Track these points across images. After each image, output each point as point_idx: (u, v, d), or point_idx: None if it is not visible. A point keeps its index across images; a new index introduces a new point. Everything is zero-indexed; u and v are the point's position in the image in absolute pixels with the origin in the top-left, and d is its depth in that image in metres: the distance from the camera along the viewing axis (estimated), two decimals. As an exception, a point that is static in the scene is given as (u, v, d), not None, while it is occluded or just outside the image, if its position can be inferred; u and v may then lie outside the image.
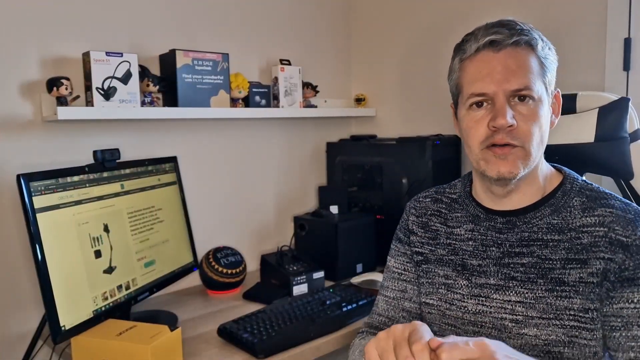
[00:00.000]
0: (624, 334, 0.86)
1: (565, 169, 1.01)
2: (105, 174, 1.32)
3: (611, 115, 1.22)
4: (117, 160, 1.35)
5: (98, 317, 1.22)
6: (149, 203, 1.45)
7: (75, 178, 1.23)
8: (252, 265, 1.93)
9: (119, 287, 1.31)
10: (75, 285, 1.17)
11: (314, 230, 1.83)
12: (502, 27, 0.90)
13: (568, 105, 1.28)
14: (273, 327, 1.29)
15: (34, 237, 1.10)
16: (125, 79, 1.44)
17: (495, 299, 0.95)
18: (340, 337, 1.35)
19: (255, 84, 1.82)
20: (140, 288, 1.38)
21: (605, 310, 0.87)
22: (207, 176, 1.81)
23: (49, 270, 1.11)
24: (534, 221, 0.95)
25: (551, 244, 0.92)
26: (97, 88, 1.39)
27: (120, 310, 1.31)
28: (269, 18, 1.94)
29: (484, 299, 0.96)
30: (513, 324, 0.92)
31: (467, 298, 0.98)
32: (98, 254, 1.25)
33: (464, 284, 0.99)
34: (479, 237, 1.00)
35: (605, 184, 1.50)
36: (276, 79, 1.87)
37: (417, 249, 1.08)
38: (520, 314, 0.92)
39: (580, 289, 0.88)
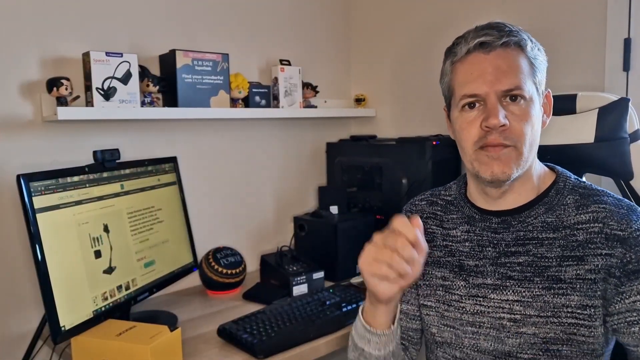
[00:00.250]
0: None
1: (558, 167, 1.01)
2: (105, 174, 1.32)
3: (611, 115, 1.22)
4: (117, 161, 1.35)
5: (98, 318, 1.22)
6: (148, 203, 1.45)
7: (75, 178, 1.23)
8: (252, 265, 1.93)
9: (119, 287, 1.31)
10: (75, 285, 1.17)
11: (313, 230, 1.83)
12: (491, 29, 0.92)
13: (568, 105, 1.28)
14: (273, 328, 1.29)
15: (34, 237, 1.10)
16: (125, 79, 1.44)
17: (493, 298, 0.95)
18: (340, 337, 1.35)
19: (255, 84, 1.82)
20: (140, 288, 1.38)
21: (617, 307, 0.87)
22: (207, 176, 1.81)
23: (49, 270, 1.11)
24: (528, 220, 0.95)
25: (546, 242, 0.93)
26: (97, 88, 1.39)
27: (120, 310, 1.31)
28: (269, 18, 1.94)
29: (481, 299, 0.97)
30: (511, 323, 0.93)
31: (465, 299, 0.98)
32: (98, 254, 1.25)
33: (462, 285, 0.99)
34: (475, 237, 1.00)
35: (605, 185, 1.50)
36: (276, 79, 1.87)
37: None
38: (518, 312, 0.92)
39: (578, 286, 0.89)
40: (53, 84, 1.35)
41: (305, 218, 1.87)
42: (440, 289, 1.02)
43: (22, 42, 1.39)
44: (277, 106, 1.87)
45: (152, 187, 1.48)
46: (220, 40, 1.80)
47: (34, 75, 1.41)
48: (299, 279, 1.62)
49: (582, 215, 0.92)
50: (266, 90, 1.83)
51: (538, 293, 0.91)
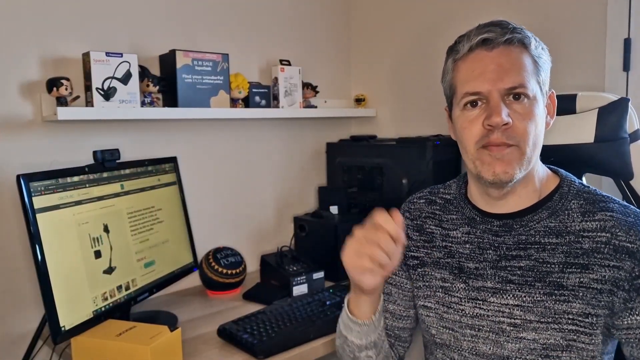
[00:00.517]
0: None
1: (562, 171, 1.00)
2: (105, 174, 1.31)
3: (611, 115, 1.22)
4: (117, 161, 1.35)
5: (98, 318, 1.22)
6: (148, 203, 1.45)
7: (75, 178, 1.23)
8: (252, 265, 1.93)
9: (119, 287, 1.31)
10: (75, 285, 1.17)
11: (314, 230, 1.83)
12: (494, 26, 0.90)
13: (568, 105, 1.28)
14: (273, 328, 1.29)
15: (34, 238, 1.10)
16: (125, 79, 1.44)
17: (493, 302, 0.94)
18: (340, 337, 1.35)
19: (255, 84, 1.82)
20: (140, 288, 1.38)
21: (627, 322, 0.86)
22: (207, 176, 1.80)
23: (49, 270, 1.11)
24: (531, 224, 0.94)
25: (549, 247, 0.91)
26: (97, 88, 1.39)
27: (120, 310, 1.31)
28: (269, 18, 1.94)
29: (481, 302, 0.95)
30: (511, 328, 0.92)
31: (465, 301, 0.97)
32: (98, 254, 1.25)
33: (461, 287, 0.98)
34: (476, 240, 0.99)
35: (605, 185, 1.50)
36: (276, 79, 1.87)
37: (412, 253, 1.07)
38: (518, 317, 0.91)
39: (580, 294, 0.87)
40: (53, 84, 1.35)
41: (305, 218, 1.87)
42: (440, 290, 1.01)
43: (22, 42, 1.39)
44: (277, 106, 1.87)
45: (152, 187, 1.48)
46: (220, 40, 1.80)
47: (34, 75, 1.41)
48: (299, 279, 1.61)
49: (588, 223, 0.90)
50: (266, 90, 1.82)
51: (539, 298, 0.90)
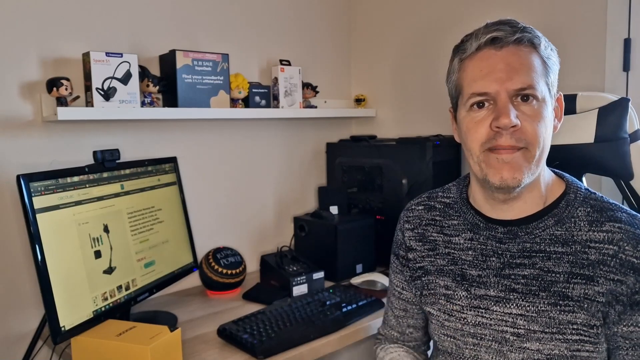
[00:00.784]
0: (630, 353, 0.85)
1: (567, 175, 0.97)
2: (105, 175, 1.31)
3: (611, 115, 1.22)
4: (117, 161, 1.35)
5: (98, 318, 1.21)
6: (148, 203, 1.45)
7: (75, 178, 1.23)
8: (252, 265, 1.93)
9: (119, 287, 1.31)
10: (75, 285, 1.17)
11: (313, 231, 1.83)
12: (503, 24, 0.87)
13: (568, 105, 1.28)
14: (273, 328, 1.29)
15: (34, 238, 1.10)
16: (125, 79, 1.44)
17: (496, 311, 0.92)
18: (340, 338, 1.35)
19: (255, 84, 1.82)
20: (140, 289, 1.38)
21: (615, 329, 0.85)
22: (207, 176, 1.80)
23: (49, 270, 1.11)
24: (536, 232, 0.91)
25: (554, 256, 0.89)
26: (97, 88, 1.39)
27: (120, 310, 1.31)
28: (269, 18, 1.95)
29: (483, 310, 0.93)
30: (514, 338, 0.90)
31: (467, 309, 0.95)
32: (98, 254, 1.25)
33: (463, 295, 0.96)
34: (479, 246, 0.96)
35: (605, 185, 1.50)
36: (276, 79, 1.87)
37: (417, 265, 1.05)
38: (522, 327, 0.89)
39: (585, 305, 0.85)
40: (53, 84, 1.35)
41: (305, 218, 1.87)
42: (443, 297, 0.99)
43: (22, 42, 1.39)
44: (277, 106, 1.87)
45: (152, 187, 1.48)
46: (220, 40, 1.80)
47: (34, 76, 1.41)
48: (299, 279, 1.61)
49: (595, 233, 0.88)
50: (266, 90, 1.82)
51: (543, 308, 0.88)
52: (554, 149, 1.27)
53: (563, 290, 0.87)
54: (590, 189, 0.95)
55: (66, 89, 1.35)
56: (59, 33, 1.45)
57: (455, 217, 1.02)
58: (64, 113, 1.32)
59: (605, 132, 1.23)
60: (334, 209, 1.89)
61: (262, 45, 1.93)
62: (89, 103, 1.41)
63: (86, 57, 1.39)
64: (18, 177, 1.09)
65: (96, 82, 1.39)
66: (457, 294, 0.97)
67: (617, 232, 0.86)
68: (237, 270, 1.65)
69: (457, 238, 1.00)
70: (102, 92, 1.40)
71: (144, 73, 1.53)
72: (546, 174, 0.94)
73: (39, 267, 1.10)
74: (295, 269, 1.66)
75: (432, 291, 1.01)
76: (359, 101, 2.20)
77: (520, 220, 0.93)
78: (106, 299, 1.26)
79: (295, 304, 1.43)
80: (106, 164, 1.32)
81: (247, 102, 1.79)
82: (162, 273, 1.48)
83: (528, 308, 0.89)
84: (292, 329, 1.30)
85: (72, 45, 1.47)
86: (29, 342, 1.40)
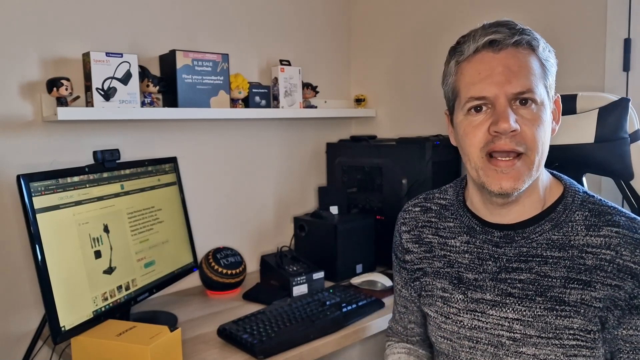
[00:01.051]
0: (631, 357, 0.85)
1: (565, 177, 0.96)
2: (105, 175, 1.32)
3: (611, 115, 1.22)
4: (117, 161, 1.35)
5: (98, 318, 1.22)
6: (148, 203, 1.45)
7: (76, 178, 1.23)
8: (252, 265, 1.93)
9: (119, 287, 1.31)
10: (75, 285, 1.17)
11: (313, 231, 1.83)
12: (501, 26, 0.86)
13: (568, 105, 1.28)
14: (273, 328, 1.29)
15: (34, 238, 1.10)
16: (125, 79, 1.44)
17: (492, 315, 0.92)
18: (339, 338, 1.35)
19: (255, 84, 1.82)
20: (140, 289, 1.38)
21: (615, 332, 0.85)
22: (207, 176, 1.81)
23: (49, 270, 1.11)
24: (533, 236, 0.90)
25: (551, 260, 0.88)
26: (97, 88, 1.39)
27: (120, 310, 1.31)
28: (269, 18, 1.95)
29: (479, 314, 0.93)
30: (511, 342, 0.90)
31: (463, 313, 0.95)
32: (98, 254, 1.25)
33: (460, 298, 0.96)
34: (475, 250, 0.96)
35: (605, 185, 1.50)
36: (276, 79, 1.87)
37: (416, 266, 1.05)
38: (518, 331, 0.89)
39: (582, 310, 0.85)
40: (53, 84, 1.35)
41: (305, 218, 1.87)
42: (440, 300, 0.99)
43: (22, 42, 1.39)
44: (277, 106, 1.87)
45: (152, 188, 1.48)
46: (220, 40, 1.81)
47: (34, 76, 1.41)
48: (299, 279, 1.61)
49: (593, 238, 0.87)
50: (266, 90, 1.83)
51: (540, 313, 0.87)
52: (555, 149, 1.28)
53: (560, 295, 0.86)
54: (588, 191, 0.94)
55: (66, 89, 1.35)
56: (59, 33, 1.45)
57: (451, 220, 1.01)
58: (64, 113, 1.33)
59: (606, 132, 1.23)
60: (334, 209, 1.89)
61: (262, 45, 1.93)
62: (89, 103, 1.41)
63: (86, 57, 1.39)
64: (18, 177, 1.09)
65: (96, 82, 1.39)
66: (453, 297, 0.97)
67: (615, 236, 0.86)
68: (237, 270, 1.65)
69: (453, 240, 0.99)
70: (102, 92, 1.40)
71: (144, 73, 1.53)
72: (544, 176, 0.93)
73: (39, 267, 1.10)
74: (295, 269, 1.66)
75: (430, 293, 1.01)
76: (358, 101, 2.20)
77: (517, 224, 0.92)
78: (106, 299, 1.26)
79: (295, 304, 1.43)
80: (106, 164, 1.32)
81: (247, 102, 1.79)
82: (162, 273, 1.48)
83: (524, 313, 0.88)
84: (292, 329, 1.30)
85: (72, 45, 1.47)
86: (29, 342, 1.40)
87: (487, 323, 0.92)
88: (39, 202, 1.12)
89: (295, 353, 1.25)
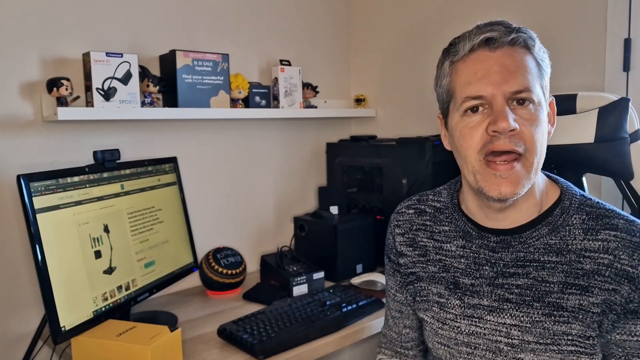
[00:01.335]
0: None
1: (561, 180, 0.94)
2: (105, 175, 1.32)
3: (611, 115, 1.22)
4: (117, 161, 1.35)
5: (98, 318, 1.22)
6: (149, 203, 1.45)
7: (76, 178, 1.23)
8: (252, 265, 1.93)
9: (119, 287, 1.31)
10: (76, 285, 1.17)
11: (313, 231, 1.83)
12: (496, 25, 0.85)
13: (568, 105, 1.28)
14: (273, 328, 1.29)
15: (34, 238, 1.10)
16: (125, 79, 1.44)
17: (489, 320, 0.90)
18: (340, 338, 1.35)
19: (255, 84, 1.82)
20: (140, 289, 1.38)
21: (608, 337, 0.84)
22: (207, 176, 1.81)
23: (49, 270, 1.11)
24: (530, 241, 0.89)
25: (548, 265, 0.87)
26: (97, 88, 1.39)
27: (120, 310, 1.31)
28: (269, 18, 1.95)
29: (477, 320, 0.92)
30: (509, 348, 0.88)
31: (460, 318, 0.93)
32: (98, 254, 1.25)
33: (457, 304, 0.94)
34: (471, 254, 0.94)
35: (605, 185, 1.50)
36: (276, 79, 1.87)
37: (409, 270, 1.03)
38: (516, 337, 0.88)
39: (580, 316, 0.84)
40: (53, 84, 1.35)
41: (305, 218, 1.87)
42: (436, 305, 0.97)
43: (22, 42, 1.39)
44: (277, 106, 1.87)
45: (152, 188, 1.48)
46: (220, 40, 1.80)
47: (34, 76, 1.41)
48: (299, 279, 1.61)
49: (590, 242, 0.85)
50: (266, 90, 1.83)
51: (537, 319, 0.86)
52: (555, 149, 1.28)
53: (557, 300, 0.85)
54: (585, 194, 0.92)
55: (66, 89, 1.35)
56: (59, 33, 1.45)
57: (446, 223, 0.99)
58: (64, 113, 1.33)
59: (606, 132, 1.23)
60: (334, 209, 1.89)
61: (262, 45, 1.93)
62: (89, 103, 1.41)
63: (86, 57, 1.39)
64: (18, 177, 1.09)
65: (96, 82, 1.39)
66: (450, 302, 0.95)
67: (613, 240, 0.84)
68: (237, 270, 1.65)
69: (448, 245, 0.98)
70: (102, 92, 1.40)
71: (144, 73, 1.53)
72: (541, 180, 0.91)
73: (39, 267, 1.10)
74: (295, 269, 1.66)
75: (425, 298, 0.99)
76: (358, 101, 2.20)
77: (513, 229, 0.90)
78: (106, 299, 1.26)
79: (295, 304, 1.43)
80: (106, 164, 1.32)
81: (247, 102, 1.79)
82: (162, 273, 1.48)
83: (522, 318, 0.87)
84: (292, 329, 1.30)
85: (72, 45, 1.47)
86: (29, 342, 1.40)
87: (484, 329, 0.91)
88: (39, 202, 1.12)
89: (296, 353, 1.25)
